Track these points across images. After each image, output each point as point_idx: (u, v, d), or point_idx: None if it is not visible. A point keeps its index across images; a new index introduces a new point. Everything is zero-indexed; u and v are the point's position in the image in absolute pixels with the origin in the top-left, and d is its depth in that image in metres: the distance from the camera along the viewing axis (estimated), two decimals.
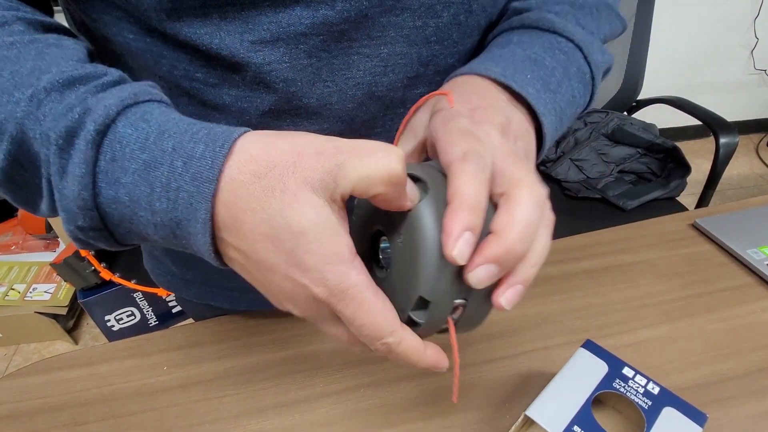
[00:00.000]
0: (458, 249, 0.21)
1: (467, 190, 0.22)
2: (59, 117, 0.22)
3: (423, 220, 0.23)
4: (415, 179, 0.25)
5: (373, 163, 0.21)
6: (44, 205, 0.26)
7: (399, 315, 0.24)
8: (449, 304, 0.24)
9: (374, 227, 0.27)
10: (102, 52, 0.34)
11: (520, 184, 0.24)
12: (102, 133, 0.22)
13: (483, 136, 0.25)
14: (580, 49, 0.34)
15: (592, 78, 0.35)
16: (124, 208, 0.23)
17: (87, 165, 0.22)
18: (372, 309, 0.22)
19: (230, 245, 0.23)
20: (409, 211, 0.24)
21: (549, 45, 0.33)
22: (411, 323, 0.25)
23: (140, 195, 0.23)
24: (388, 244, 0.26)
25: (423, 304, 0.24)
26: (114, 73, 0.26)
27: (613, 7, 0.41)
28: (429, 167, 0.26)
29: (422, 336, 0.25)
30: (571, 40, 0.34)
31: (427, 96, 0.30)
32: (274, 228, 0.21)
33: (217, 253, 0.24)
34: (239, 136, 0.23)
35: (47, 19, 0.29)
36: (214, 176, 0.22)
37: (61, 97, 0.23)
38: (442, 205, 0.23)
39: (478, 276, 0.22)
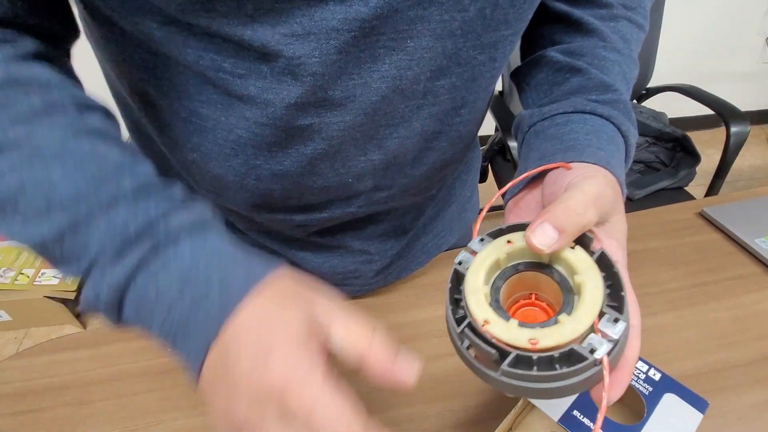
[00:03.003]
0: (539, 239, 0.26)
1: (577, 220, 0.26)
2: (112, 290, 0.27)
3: None
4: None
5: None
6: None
7: None
8: None
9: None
10: (122, 39, 0.34)
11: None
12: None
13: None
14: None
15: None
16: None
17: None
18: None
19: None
20: None
21: (618, 150, 0.35)
22: None
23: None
24: None
25: None
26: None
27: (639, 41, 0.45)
28: None
29: None
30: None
31: (541, 168, 0.33)
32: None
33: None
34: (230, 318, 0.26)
35: (90, 100, 0.31)
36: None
37: (118, 261, 0.27)
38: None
39: None
